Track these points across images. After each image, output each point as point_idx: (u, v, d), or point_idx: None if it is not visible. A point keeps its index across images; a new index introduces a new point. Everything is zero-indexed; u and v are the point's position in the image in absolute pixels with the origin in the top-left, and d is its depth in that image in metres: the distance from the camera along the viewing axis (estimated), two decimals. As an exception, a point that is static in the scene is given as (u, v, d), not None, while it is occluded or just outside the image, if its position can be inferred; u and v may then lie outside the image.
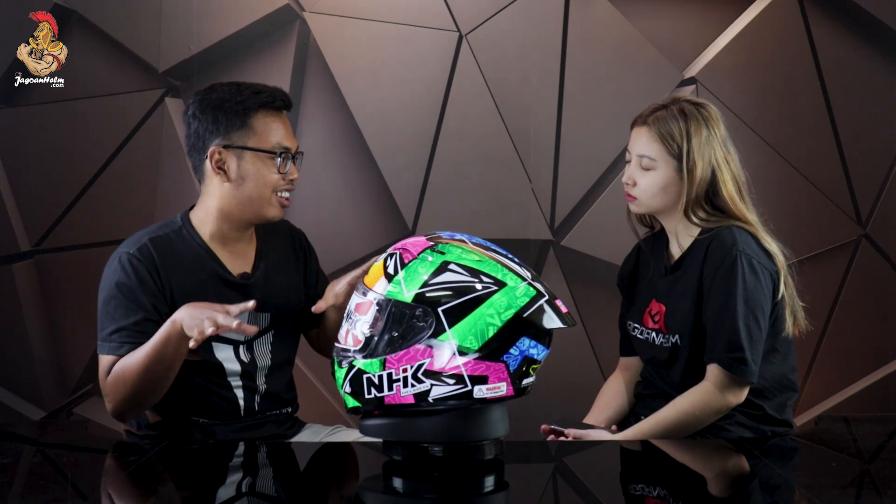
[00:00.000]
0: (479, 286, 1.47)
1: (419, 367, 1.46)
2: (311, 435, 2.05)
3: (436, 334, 1.46)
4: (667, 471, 1.70)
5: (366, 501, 1.49)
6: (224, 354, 1.92)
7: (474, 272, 1.49)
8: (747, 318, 1.90)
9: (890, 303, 3.29)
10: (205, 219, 1.94)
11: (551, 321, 1.50)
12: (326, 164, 3.13)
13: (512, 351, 1.47)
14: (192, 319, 1.72)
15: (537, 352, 1.50)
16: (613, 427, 2.07)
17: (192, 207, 1.98)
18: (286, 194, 1.94)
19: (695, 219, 1.98)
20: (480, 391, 1.46)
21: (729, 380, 1.91)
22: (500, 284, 1.48)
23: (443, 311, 1.46)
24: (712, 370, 1.92)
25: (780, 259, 1.97)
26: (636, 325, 2.10)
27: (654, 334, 2.04)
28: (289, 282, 2.04)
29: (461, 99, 3.16)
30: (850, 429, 2.09)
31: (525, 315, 1.48)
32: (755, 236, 1.97)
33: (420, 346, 1.46)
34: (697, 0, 3.26)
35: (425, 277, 1.48)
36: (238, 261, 1.97)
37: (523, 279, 1.51)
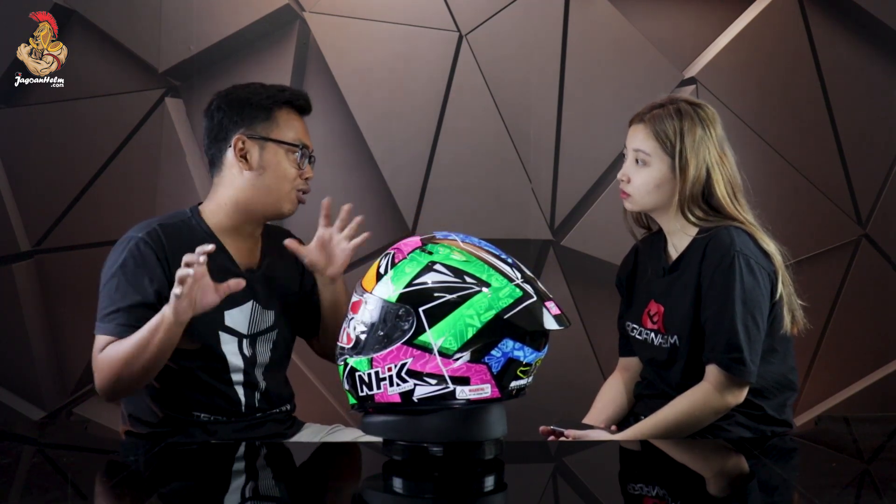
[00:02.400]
0: (460, 287, 1.46)
1: (402, 366, 1.47)
2: (311, 434, 2.06)
3: (417, 334, 1.46)
4: (666, 471, 1.70)
5: (366, 501, 1.49)
6: (229, 348, 1.93)
7: (458, 272, 1.48)
8: (745, 319, 1.90)
9: (890, 303, 3.29)
10: (216, 211, 1.97)
11: (535, 323, 1.47)
12: (326, 164, 3.13)
13: (494, 352, 1.45)
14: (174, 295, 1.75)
15: (523, 354, 1.47)
16: (613, 427, 2.07)
17: (199, 204, 2.02)
18: (302, 192, 1.99)
19: (692, 218, 1.98)
20: (463, 392, 1.46)
21: (728, 380, 1.91)
22: (484, 285, 1.47)
23: (423, 311, 1.45)
24: (711, 370, 1.92)
25: (777, 259, 1.97)
26: (635, 326, 2.10)
27: (652, 335, 2.04)
28: (290, 282, 2.07)
29: (461, 99, 3.16)
30: (850, 429, 2.09)
31: (506, 316, 1.46)
32: (753, 236, 1.97)
33: (403, 346, 1.46)
34: (697, 0, 3.26)
35: (411, 277, 1.48)
36: (244, 255, 2.00)
37: (510, 280, 1.49)
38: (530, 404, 2.73)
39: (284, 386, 2.07)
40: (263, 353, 1.98)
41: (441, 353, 1.44)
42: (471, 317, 1.45)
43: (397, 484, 1.53)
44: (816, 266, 3.22)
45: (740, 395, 1.93)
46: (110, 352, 1.82)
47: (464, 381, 1.45)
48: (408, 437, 1.52)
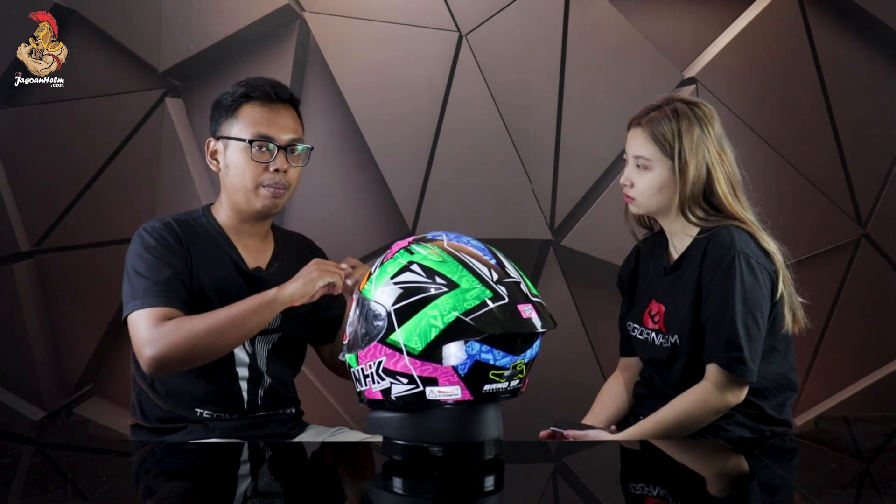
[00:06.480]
0: (428, 287, 1.46)
1: (379, 364, 1.47)
2: (314, 436, 2.05)
3: (388, 333, 1.46)
4: (667, 471, 1.70)
5: (366, 501, 1.49)
6: None
7: (431, 272, 1.47)
8: (746, 318, 1.90)
9: (890, 303, 3.30)
10: (220, 210, 2.01)
11: (499, 326, 1.43)
12: (326, 164, 3.14)
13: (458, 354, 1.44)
14: (315, 277, 1.83)
15: (493, 357, 1.44)
16: (613, 427, 2.07)
17: (211, 204, 2.06)
18: (272, 188, 1.94)
19: (692, 218, 1.98)
20: (433, 393, 1.45)
21: (728, 379, 1.91)
22: (453, 286, 1.45)
23: (394, 310, 1.46)
24: (711, 370, 1.92)
25: (778, 258, 1.97)
26: (636, 326, 2.10)
27: (653, 334, 2.04)
28: None
29: (461, 99, 3.16)
30: (850, 429, 2.09)
31: (469, 318, 1.42)
32: (753, 236, 1.98)
33: (378, 344, 1.47)
34: (697, 0, 3.26)
35: (389, 277, 1.49)
36: (253, 255, 2.01)
37: (482, 281, 1.46)
38: (530, 404, 2.74)
39: (290, 389, 2.07)
40: (261, 352, 1.99)
41: (408, 353, 1.45)
42: (434, 317, 1.43)
43: (397, 484, 1.53)
44: (816, 266, 3.22)
45: (740, 395, 1.93)
46: (188, 322, 1.81)
47: (432, 381, 1.45)
48: (407, 436, 1.52)
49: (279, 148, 1.94)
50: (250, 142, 1.93)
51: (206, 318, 1.82)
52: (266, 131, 1.94)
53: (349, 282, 1.86)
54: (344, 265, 1.88)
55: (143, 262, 1.89)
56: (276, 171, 1.93)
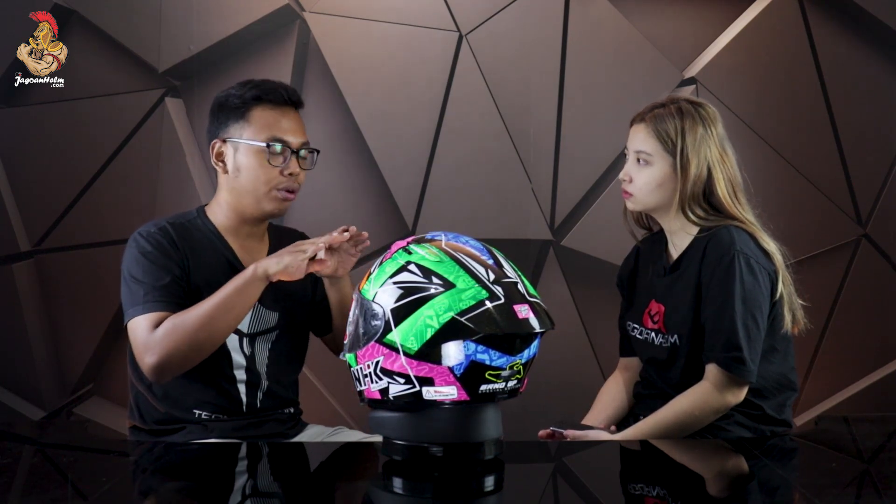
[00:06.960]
0: (424, 287, 1.46)
1: (377, 363, 1.48)
2: (313, 436, 2.05)
3: (385, 333, 1.46)
4: (666, 471, 1.70)
5: (366, 501, 1.49)
6: (232, 344, 1.95)
7: (428, 272, 1.47)
8: (745, 318, 1.90)
9: (890, 303, 3.30)
10: (217, 211, 2.00)
11: (495, 326, 1.42)
12: (326, 164, 3.13)
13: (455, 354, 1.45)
14: (286, 255, 1.83)
15: (488, 357, 1.44)
16: (612, 427, 2.07)
17: (205, 205, 2.04)
18: (286, 190, 1.95)
19: (692, 216, 1.98)
20: (429, 393, 1.45)
21: (728, 379, 1.91)
22: (449, 286, 1.45)
23: (391, 310, 1.46)
24: (711, 370, 1.92)
25: (778, 258, 1.97)
26: (636, 326, 2.10)
27: (653, 334, 2.04)
28: (298, 286, 2.05)
29: (461, 99, 3.16)
30: (850, 429, 2.09)
31: (465, 318, 1.42)
32: (753, 236, 1.98)
33: (376, 344, 1.47)
34: (697, 0, 3.26)
35: (387, 277, 1.49)
36: (249, 255, 2.00)
37: (478, 281, 1.46)
38: (530, 404, 2.74)
39: (290, 390, 2.07)
40: (261, 352, 1.98)
41: (405, 353, 1.45)
42: (430, 317, 1.43)
43: (397, 484, 1.53)
44: (816, 266, 3.22)
45: (740, 395, 1.93)
46: (178, 321, 1.82)
47: (428, 381, 1.45)
48: (407, 436, 1.52)
49: (292, 152, 1.94)
50: (267, 145, 1.92)
51: (195, 311, 1.83)
52: (281, 135, 1.94)
53: (324, 254, 1.84)
54: (323, 239, 1.86)
55: (140, 267, 1.89)
56: (290, 174, 1.94)
